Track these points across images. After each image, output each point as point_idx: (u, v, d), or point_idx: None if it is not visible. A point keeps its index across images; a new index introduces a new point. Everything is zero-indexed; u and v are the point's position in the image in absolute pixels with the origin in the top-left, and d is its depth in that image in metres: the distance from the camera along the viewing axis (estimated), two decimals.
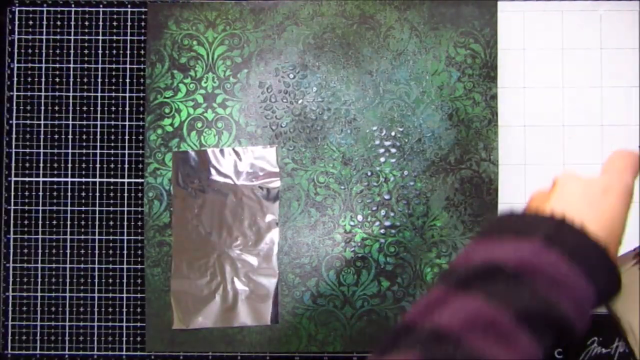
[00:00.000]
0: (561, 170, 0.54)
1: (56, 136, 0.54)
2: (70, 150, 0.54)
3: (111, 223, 0.54)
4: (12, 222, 0.54)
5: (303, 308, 0.52)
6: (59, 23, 0.54)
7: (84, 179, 0.54)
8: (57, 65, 0.54)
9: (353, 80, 0.53)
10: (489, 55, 0.53)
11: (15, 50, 0.54)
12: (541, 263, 0.27)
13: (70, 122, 0.54)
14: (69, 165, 0.54)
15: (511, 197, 0.54)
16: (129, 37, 0.54)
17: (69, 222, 0.54)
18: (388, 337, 0.27)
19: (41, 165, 0.54)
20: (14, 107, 0.54)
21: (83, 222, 0.54)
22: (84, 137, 0.54)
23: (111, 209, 0.54)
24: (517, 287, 0.26)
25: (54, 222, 0.54)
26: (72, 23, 0.54)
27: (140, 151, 0.54)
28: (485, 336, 0.25)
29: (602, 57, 0.55)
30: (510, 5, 0.55)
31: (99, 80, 0.54)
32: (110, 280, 0.53)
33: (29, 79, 0.54)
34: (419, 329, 0.26)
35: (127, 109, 0.54)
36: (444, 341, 0.25)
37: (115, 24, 0.54)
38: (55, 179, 0.54)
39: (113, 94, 0.54)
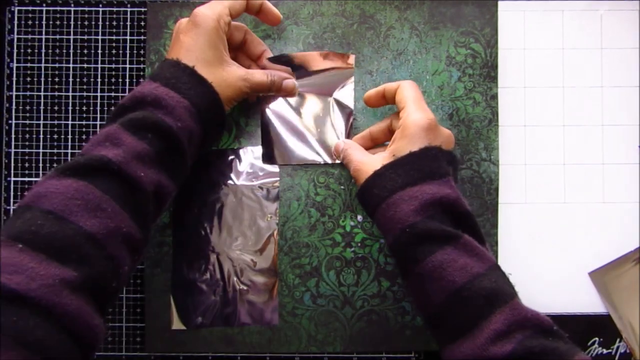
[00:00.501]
0: (562, 170, 0.54)
1: (56, 136, 0.54)
2: (70, 150, 0.54)
3: None
4: None
5: (303, 308, 0.52)
6: (58, 23, 0.54)
7: None
8: (57, 65, 0.54)
9: (353, 80, 0.53)
10: (489, 55, 0.53)
11: (15, 50, 0.54)
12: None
13: (70, 122, 0.54)
14: None
15: (511, 197, 0.54)
16: (128, 37, 0.54)
17: None
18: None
19: (41, 164, 0.54)
20: (14, 107, 0.54)
21: None
22: (84, 137, 0.54)
23: None
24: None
25: None
26: (72, 23, 0.54)
27: None
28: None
29: (602, 57, 0.55)
30: (511, 5, 0.55)
31: (99, 80, 0.54)
32: None
33: (29, 79, 0.54)
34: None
35: None
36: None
37: (114, 23, 0.54)
38: None
39: (113, 94, 0.54)
